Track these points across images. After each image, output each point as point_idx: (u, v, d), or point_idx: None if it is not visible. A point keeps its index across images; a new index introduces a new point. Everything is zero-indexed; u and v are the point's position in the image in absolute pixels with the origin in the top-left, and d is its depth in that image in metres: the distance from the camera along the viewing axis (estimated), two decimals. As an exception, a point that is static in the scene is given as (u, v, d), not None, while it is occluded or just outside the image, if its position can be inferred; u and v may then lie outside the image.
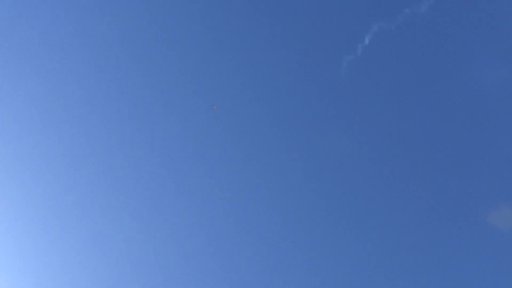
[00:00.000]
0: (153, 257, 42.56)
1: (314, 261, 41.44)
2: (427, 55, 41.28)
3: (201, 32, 43.51)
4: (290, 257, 41.88)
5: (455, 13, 40.16)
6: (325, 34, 42.25)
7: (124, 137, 43.91)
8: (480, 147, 41.30)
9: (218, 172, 43.10)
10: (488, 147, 41.22)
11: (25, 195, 43.70)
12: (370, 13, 40.62)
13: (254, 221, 42.51)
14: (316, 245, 41.69)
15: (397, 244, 41.52)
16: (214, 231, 42.81)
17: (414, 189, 42.00)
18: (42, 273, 42.55)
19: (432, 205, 41.53)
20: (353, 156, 42.79)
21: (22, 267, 42.80)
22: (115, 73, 43.84)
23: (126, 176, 43.93)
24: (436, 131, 41.96)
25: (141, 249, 42.84)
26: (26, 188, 43.75)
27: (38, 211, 43.63)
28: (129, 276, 42.29)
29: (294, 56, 43.33)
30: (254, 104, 43.82)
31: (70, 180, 43.92)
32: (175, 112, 43.77)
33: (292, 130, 43.66)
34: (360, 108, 42.89)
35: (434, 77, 41.75)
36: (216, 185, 42.97)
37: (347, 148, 42.82)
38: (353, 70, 41.34)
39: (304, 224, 42.28)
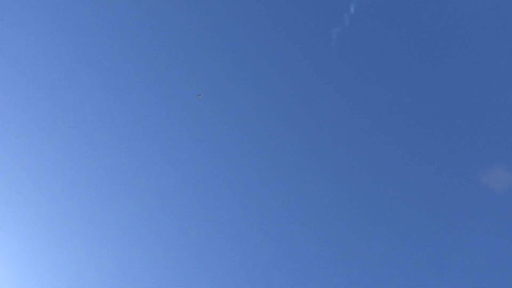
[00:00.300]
0: (152, 257, 42.49)
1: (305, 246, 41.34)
2: (414, 17, 41.21)
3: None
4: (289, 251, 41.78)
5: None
6: (309, 8, 42.04)
7: (120, 135, 43.80)
8: (474, 107, 41.20)
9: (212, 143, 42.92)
10: (481, 107, 41.15)
11: (25, 195, 43.68)
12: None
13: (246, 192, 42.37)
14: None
15: (389, 208, 41.55)
16: (214, 230, 42.75)
17: (409, 155, 41.94)
18: (42, 272, 42.53)
19: (426, 169, 41.51)
20: (350, 128, 42.65)
21: (22, 267, 42.78)
22: (107, 70, 43.83)
23: (124, 174, 43.85)
24: (430, 93, 41.90)
25: (141, 249, 42.78)
26: (26, 188, 43.74)
27: (38, 211, 43.63)
28: (129, 276, 42.22)
29: (281, 34, 43.08)
30: (248, 87, 43.61)
31: (68, 179, 43.88)
32: (168, 104, 43.64)
33: (289, 111, 43.44)
34: (357, 77, 42.77)
35: (424, 40, 41.66)
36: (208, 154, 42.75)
37: (344, 122, 42.71)
38: (344, 40, 41.23)
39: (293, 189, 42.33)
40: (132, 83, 44.11)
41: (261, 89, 43.72)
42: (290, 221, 42.39)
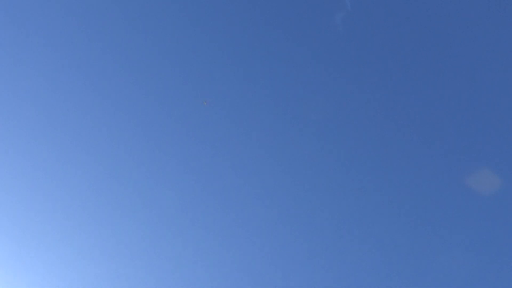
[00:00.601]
0: (151, 257, 42.49)
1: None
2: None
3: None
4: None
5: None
6: None
7: (119, 136, 43.82)
8: (464, 108, 41.20)
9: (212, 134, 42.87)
10: (471, 109, 41.10)
11: (24, 195, 43.68)
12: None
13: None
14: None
15: (379, 209, 41.50)
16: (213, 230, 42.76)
17: (401, 155, 41.82)
18: (41, 273, 42.52)
19: (416, 170, 41.43)
20: (357, 114, 42.41)
21: (22, 267, 42.77)
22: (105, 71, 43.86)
23: (124, 175, 43.85)
24: (436, 81, 41.63)
25: (140, 250, 42.77)
26: (25, 188, 43.75)
27: (36, 211, 43.63)
28: (129, 276, 42.22)
29: (286, 23, 42.93)
30: (252, 78, 43.51)
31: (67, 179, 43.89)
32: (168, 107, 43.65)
33: (297, 99, 43.21)
34: (366, 62, 42.39)
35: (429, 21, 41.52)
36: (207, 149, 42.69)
37: (352, 109, 42.49)
38: (349, 25, 40.96)
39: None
40: (136, 88, 44.15)
41: (263, 83, 43.71)
42: (289, 221, 42.44)
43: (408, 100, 42.20)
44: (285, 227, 42.24)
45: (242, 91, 43.51)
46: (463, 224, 39.95)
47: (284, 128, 43.33)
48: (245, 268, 41.73)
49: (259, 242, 42.16)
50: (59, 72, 43.97)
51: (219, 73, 43.42)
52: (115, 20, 43.75)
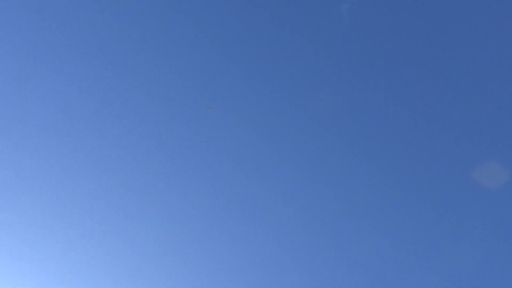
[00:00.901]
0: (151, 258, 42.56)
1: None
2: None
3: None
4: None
5: None
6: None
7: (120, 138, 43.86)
8: (469, 102, 41.14)
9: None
10: (477, 103, 41.07)
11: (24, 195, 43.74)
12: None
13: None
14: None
15: (383, 206, 41.48)
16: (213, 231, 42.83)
17: (405, 152, 41.77)
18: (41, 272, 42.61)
19: (420, 166, 41.44)
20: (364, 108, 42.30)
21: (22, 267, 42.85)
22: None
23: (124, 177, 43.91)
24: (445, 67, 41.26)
25: (141, 250, 42.86)
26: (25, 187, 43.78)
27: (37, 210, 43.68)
28: (129, 276, 42.31)
29: (291, 18, 42.71)
30: (258, 72, 43.36)
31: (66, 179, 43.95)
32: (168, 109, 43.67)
33: (306, 91, 42.99)
34: (372, 55, 42.08)
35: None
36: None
37: (356, 102, 42.29)
38: (356, 15, 40.58)
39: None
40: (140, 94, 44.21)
41: (264, 77, 43.71)
42: (290, 221, 42.55)
43: (415, 94, 42.19)
44: (293, 226, 42.42)
45: (245, 85, 43.57)
46: (470, 220, 40.09)
47: (287, 123, 43.44)
48: (246, 268, 41.89)
49: (265, 242, 42.33)
50: (61, 75, 44.08)
51: (220, 70, 43.53)
52: (116, 25, 43.86)
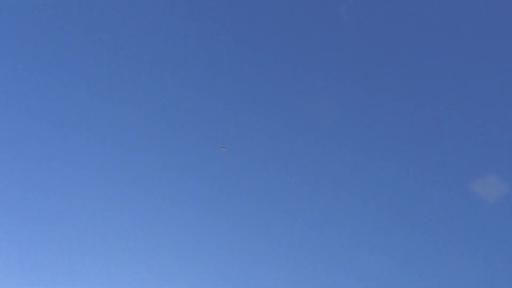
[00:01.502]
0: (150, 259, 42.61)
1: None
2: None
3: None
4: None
5: None
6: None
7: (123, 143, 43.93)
8: (467, 113, 40.95)
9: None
10: (475, 113, 40.87)
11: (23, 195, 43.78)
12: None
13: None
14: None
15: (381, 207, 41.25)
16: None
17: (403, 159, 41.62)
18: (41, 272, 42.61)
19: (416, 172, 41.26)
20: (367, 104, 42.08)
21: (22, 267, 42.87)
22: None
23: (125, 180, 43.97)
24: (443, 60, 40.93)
25: (140, 251, 42.89)
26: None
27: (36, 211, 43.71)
28: (128, 276, 42.34)
29: (291, 18, 42.53)
30: (252, 72, 43.28)
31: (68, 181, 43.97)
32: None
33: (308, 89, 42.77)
34: (371, 57, 41.83)
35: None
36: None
37: (355, 106, 42.12)
38: (355, 14, 40.37)
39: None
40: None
41: (262, 79, 43.67)
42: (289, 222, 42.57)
43: (415, 99, 42.09)
44: (289, 228, 42.43)
45: (245, 85, 43.56)
46: (467, 230, 40.01)
47: (285, 126, 43.44)
48: (246, 268, 41.90)
49: (261, 243, 42.33)
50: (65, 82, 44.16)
51: (220, 70, 43.50)
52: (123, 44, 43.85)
